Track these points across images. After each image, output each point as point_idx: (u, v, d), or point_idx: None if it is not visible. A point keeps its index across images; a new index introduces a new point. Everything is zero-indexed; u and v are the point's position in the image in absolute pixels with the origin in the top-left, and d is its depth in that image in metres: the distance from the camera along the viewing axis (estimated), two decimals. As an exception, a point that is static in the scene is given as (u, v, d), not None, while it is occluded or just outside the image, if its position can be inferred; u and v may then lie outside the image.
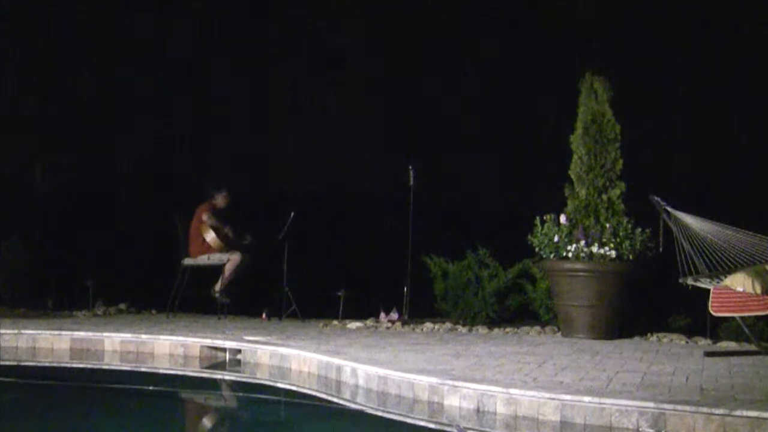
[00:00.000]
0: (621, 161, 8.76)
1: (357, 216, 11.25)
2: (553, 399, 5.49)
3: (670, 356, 7.33)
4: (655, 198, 7.98)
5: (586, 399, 5.42)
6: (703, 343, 8.23)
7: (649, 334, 8.56)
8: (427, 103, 11.26)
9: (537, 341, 8.32)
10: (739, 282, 7.32)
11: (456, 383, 5.90)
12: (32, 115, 11.53)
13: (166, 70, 11.68)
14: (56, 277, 10.63)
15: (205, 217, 9.99)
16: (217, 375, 7.76)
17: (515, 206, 10.04)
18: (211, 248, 9.98)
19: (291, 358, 7.46)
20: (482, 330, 9.11)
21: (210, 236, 9.96)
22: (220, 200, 10.16)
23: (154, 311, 10.49)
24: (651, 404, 5.25)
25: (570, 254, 8.51)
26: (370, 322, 9.47)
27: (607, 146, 8.75)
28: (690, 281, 7.56)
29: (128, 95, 11.62)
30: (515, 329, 9.11)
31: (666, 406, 5.22)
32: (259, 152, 11.60)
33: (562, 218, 8.68)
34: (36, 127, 11.49)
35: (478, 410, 5.72)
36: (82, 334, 8.39)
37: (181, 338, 8.22)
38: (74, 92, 11.55)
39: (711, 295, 7.45)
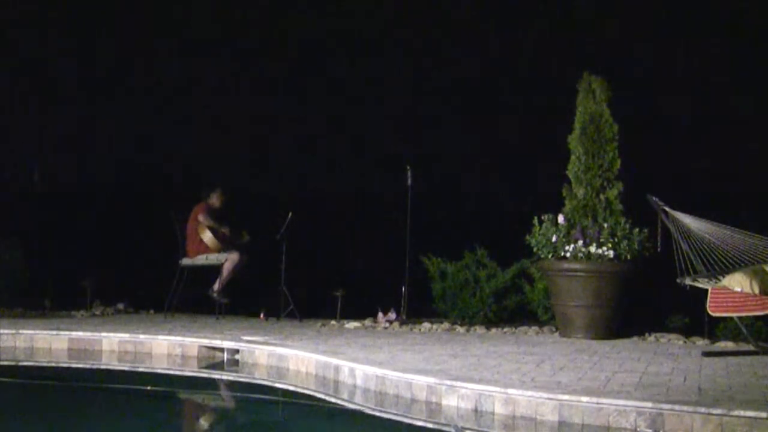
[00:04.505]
0: (619, 161, 8.76)
1: (355, 216, 11.25)
2: (551, 399, 5.49)
3: (668, 356, 7.33)
4: (653, 198, 7.98)
5: (584, 399, 5.43)
6: (701, 343, 8.23)
7: (647, 334, 8.57)
8: (426, 101, 11.29)
9: (535, 341, 8.33)
10: (737, 282, 7.32)
11: (454, 383, 5.90)
12: (32, 115, 11.54)
13: (166, 69, 11.70)
14: (54, 277, 10.61)
15: (201, 218, 9.98)
16: (215, 375, 7.76)
17: (514, 206, 10.05)
18: (208, 248, 9.98)
19: (289, 358, 7.46)
20: (480, 330, 9.11)
21: (207, 236, 9.95)
22: (215, 199, 10.16)
23: (152, 311, 10.49)
24: (649, 404, 5.26)
25: (568, 254, 8.51)
26: (368, 322, 9.47)
27: (605, 146, 8.76)
28: (688, 281, 7.56)
29: (128, 94, 11.63)
30: (513, 329, 9.11)
31: (664, 406, 5.22)
32: (259, 152, 11.61)
33: (560, 218, 8.68)
34: (36, 127, 11.50)
35: (476, 410, 5.72)
36: (80, 334, 8.38)
37: (179, 338, 8.22)
38: (74, 91, 11.56)
39: (709, 295, 7.46)
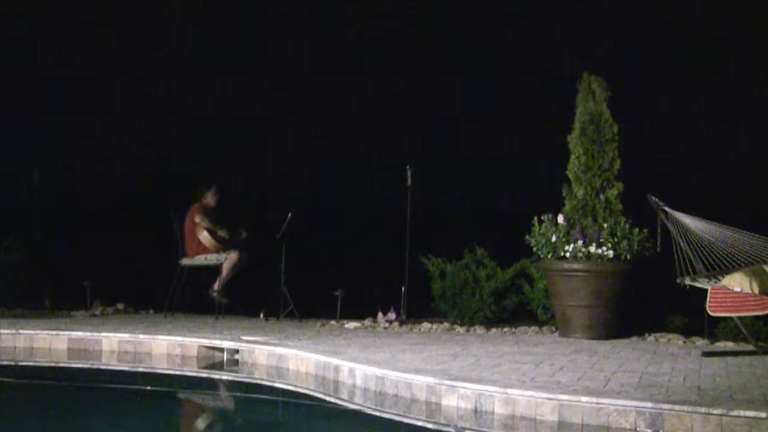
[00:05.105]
0: (619, 161, 8.76)
1: (355, 216, 11.25)
2: (551, 399, 5.49)
3: (667, 356, 7.34)
4: (653, 198, 7.98)
5: (584, 399, 5.43)
6: (701, 343, 8.23)
7: (646, 334, 8.57)
8: (426, 101, 11.29)
9: (534, 341, 8.33)
10: (737, 282, 7.32)
11: (454, 383, 5.90)
12: (32, 114, 11.55)
13: (165, 69, 11.70)
14: (54, 276, 10.63)
15: (197, 219, 9.97)
16: (215, 375, 7.76)
17: (514, 206, 10.06)
18: (206, 249, 9.97)
19: (288, 358, 7.46)
20: (480, 330, 9.11)
21: (203, 236, 9.94)
22: (210, 199, 10.15)
23: (151, 311, 10.49)
24: (648, 404, 5.26)
25: (568, 254, 8.51)
26: (367, 322, 9.47)
27: (605, 146, 8.75)
28: (688, 281, 7.56)
29: (127, 94, 11.63)
30: (513, 329, 9.11)
31: (663, 406, 5.22)
32: (259, 151, 11.62)
33: (560, 218, 8.68)
34: (36, 127, 11.51)
35: (475, 410, 5.72)
36: (79, 333, 8.38)
37: (178, 338, 8.22)
38: (74, 91, 11.56)
39: (708, 295, 7.46)
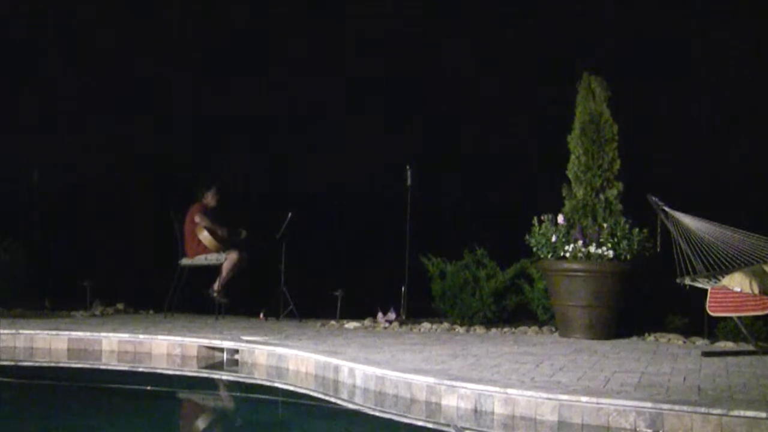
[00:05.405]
0: (618, 161, 8.75)
1: (355, 216, 11.25)
2: (551, 399, 5.49)
3: (667, 356, 7.34)
4: (653, 198, 7.98)
5: (584, 399, 5.43)
6: (701, 343, 8.23)
7: (646, 334, 8.57)
8: (426, 100, 11.29)
9: (534, 341, 8.33)
10: (737, 282, 7.32)
11: (453, 383, 5.90)
12: (32, 115, 11.55)
13: (166, 68, 11.70)
14: (54, 276, 10.62)
15: (197, 219, 9.97)
16: (215, 375, 7.76)
17: (514, 206, 10.06)
18: (206, 249, 9.97)
19: (288, 358, 7.46)
20: (480, 330, 9.11)
21: (203, 236, 9.94)
22: (210, 199, 10.15)
23: (151, 311, 10.49)
24: (648, 404, 5.26)
25: (567, 254, 8.51)
26: (367, 322, 9.47)
27: (605, 146, 8.75)
28: (687, 281, 7.56)
29: (126, 93, 11.63)
30: (513, 329, 9.11)
31: (663, 406, 5.22)
32: (259, 151, 11.62)
33: (560, 218, 8.68)
34: (36, 128, 11.51)
35: (475, 410, 5.72)
36: (79, 334, 8.39)
37: (178, 338, 8.22)
38: (74, 91, 11.56)
39: (708, 295, 7.46)
